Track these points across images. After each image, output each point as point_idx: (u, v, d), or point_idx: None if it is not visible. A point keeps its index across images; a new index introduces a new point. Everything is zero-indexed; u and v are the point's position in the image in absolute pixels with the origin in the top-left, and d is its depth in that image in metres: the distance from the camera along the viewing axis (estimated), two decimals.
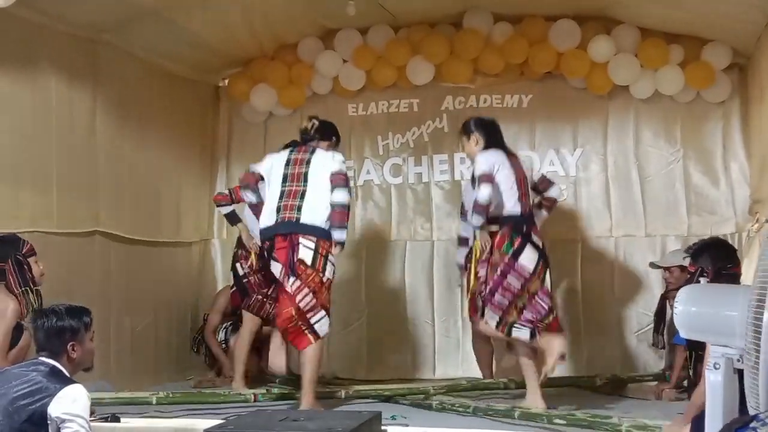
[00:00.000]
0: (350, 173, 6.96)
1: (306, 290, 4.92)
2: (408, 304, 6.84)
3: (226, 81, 7.33)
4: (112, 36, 5.85)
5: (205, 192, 7.24)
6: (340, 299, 6.12)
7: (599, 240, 6.64)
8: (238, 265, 6.07)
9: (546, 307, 5.05)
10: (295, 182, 5.09)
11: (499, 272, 5.03)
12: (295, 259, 4.92)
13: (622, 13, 6.37)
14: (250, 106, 7.15)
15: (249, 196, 5.32)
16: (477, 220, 5.11)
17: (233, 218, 6.05)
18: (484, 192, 5.05)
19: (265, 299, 5.89)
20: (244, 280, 6.01)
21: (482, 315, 5.15)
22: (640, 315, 6.47)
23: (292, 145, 5.41)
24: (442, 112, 6.99)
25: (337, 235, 5.01)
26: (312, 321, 4.95)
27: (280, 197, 5.07)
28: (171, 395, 5.19)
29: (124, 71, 6.08)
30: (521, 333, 5.02)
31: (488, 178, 5.08)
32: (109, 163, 5.91)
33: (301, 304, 4.92)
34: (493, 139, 5.31)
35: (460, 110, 6.94)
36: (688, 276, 4.42)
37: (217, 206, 6.19)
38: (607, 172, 6.74)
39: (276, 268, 5.03)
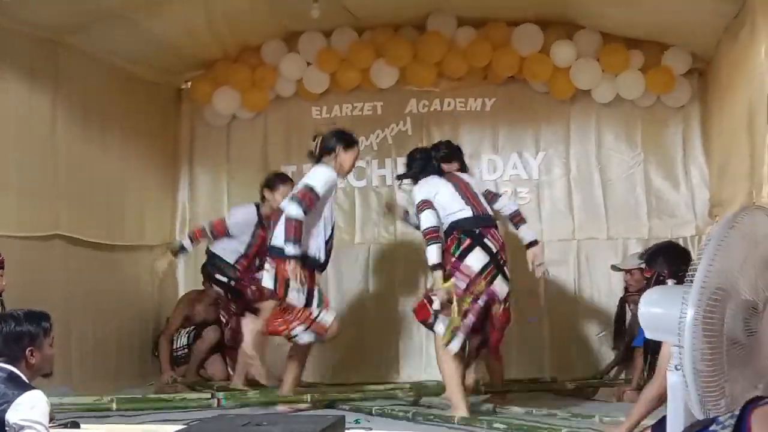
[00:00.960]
0: None
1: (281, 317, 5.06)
2: (372, 308, 6.83)
3: (189, 83, 7.27)
4: (73, 38, 5.79)
5: (167, 195, 7.19)
6: None
7: (561, 243, 6.68)
8: (218, 276, 6.13)
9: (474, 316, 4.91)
10: None
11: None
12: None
13: (583, 18, 6.41)
14: (213, 109, 7.11)
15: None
16: (434, 251, 4.90)
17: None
18: (427, 218, 4.98)
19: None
20: (232, 284, 6.12)
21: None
22: (602, 318, 6.51)
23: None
24: (405, 116, 7.00)
25: (287, 249, 4.95)
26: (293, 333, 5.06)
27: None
28: (132, 400, 5.14)
29: (86, 73, 6.03)
30: (455, 345, 4.87)
31: (427, 204, 5.05)
32: (70, 166, 5.85)
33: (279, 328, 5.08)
34: (426, 167, 5.31)
35: (424, 113, 6.97)
36: (645, 280, 4.47)
37: (192, 241, 6.30)
38: (569, 176, 6.78)
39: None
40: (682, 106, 6.62)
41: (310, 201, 4.99)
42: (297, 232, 4.95)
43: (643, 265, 4.90)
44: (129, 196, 6.60)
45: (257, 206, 6.21)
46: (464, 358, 5.03)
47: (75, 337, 5.83)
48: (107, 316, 6.25)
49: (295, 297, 5.02)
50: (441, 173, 5.28)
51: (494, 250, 5.00)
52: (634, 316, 5.73)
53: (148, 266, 6.90)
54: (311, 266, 5.13)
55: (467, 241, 4.98)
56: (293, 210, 4.98)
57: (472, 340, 5.03)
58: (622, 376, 6.12)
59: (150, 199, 6.94)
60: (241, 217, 6.23)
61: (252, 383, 5.95)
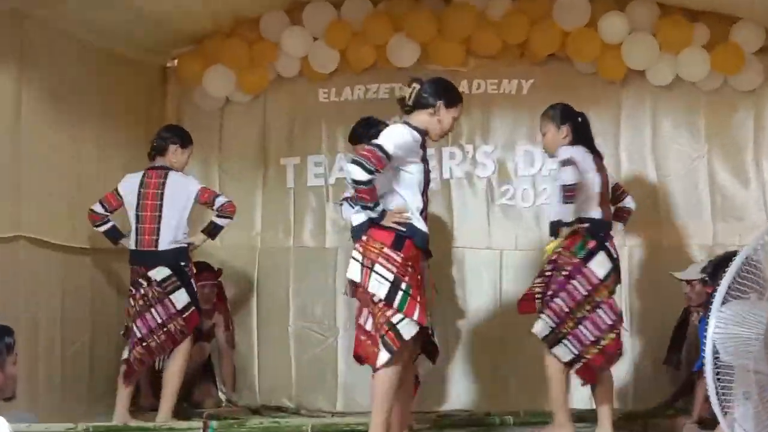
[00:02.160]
0: (320, 169, 6.98)
1: (366, 311, 4.79)
2: None
3: (176, 61, 7.30)
4: (41, 10, 5.79)
5: None
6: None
7: None
8: (193, 282, 6.05)
9: (609, 323, 5.23)
10: None
11: (564, 274, 5.24)
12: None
13: None
14: (204, 91, 7.13)
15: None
16: (567, 209, 5.23)
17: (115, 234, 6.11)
18: (569, 173, 5.20)
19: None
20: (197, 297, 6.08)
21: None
22: (656, 335, 6.51)
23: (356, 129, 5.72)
24: None
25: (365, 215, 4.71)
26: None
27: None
28: (111, 429, 5.19)
29: (56, 51, 6.04)
30: (562, 352, 5.25)
31: (573, 162, 5.24)
32: (37, 158, 5.86)
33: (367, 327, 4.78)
34: (583, 136, 5.48)
35: None
36: (708, 296, 4.47)
37: (95, 226, 6.13)
38: (619, 171, 6.74)
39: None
40: (753, 89, 6.61)
41: (378, 161, 4.56)
42: (372, 194, 4.62)
43: (706, 278, 4.90)
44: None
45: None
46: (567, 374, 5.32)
47: (42, 355, 5.84)
48: (79, 330, 6.26)
49: (376, 285, 4.57)
50: (595, 157, 5.47)
51: (616, 258, 5.36)
52: (695, 332, 5.71)
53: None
54: (397, 247, 4.65)
55: (592, 243, 5.28)
56: (349, 172, 4.66)
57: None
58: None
59: None
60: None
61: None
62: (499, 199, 6.95)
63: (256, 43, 7.00)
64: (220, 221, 6.09)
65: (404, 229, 4.63)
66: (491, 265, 6.90)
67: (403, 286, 4.55)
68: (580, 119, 5.51)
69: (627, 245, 6.68)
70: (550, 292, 5.32)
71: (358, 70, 7.05)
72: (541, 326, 5.32)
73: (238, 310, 7.10)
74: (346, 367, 6.69)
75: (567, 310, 5.24)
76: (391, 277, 4.55)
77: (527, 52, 6.83)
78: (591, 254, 5.27)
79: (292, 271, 7.11)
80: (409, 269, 4.60)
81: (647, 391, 6.45)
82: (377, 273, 4.56)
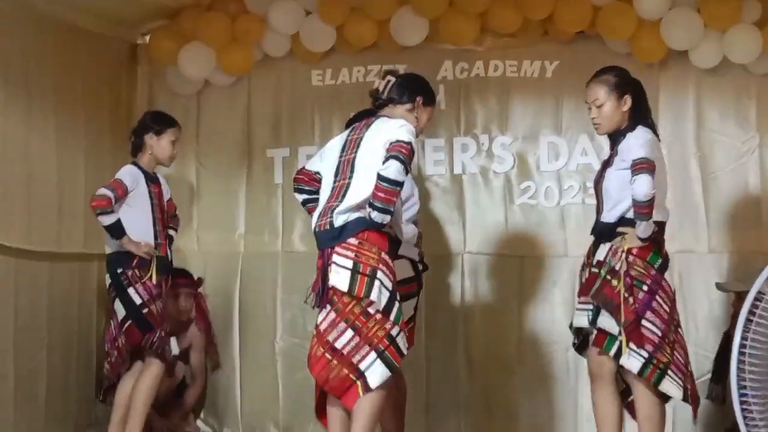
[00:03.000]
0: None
1: (343, 325, 4.79)
2: None
3: (147, 37, 7.29)
4: None
5: None
6: None
7: None
8: (131, 290, 5.96)
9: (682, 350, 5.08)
10: (342, 174, 5.00)
11: (645, 289, 4.98)
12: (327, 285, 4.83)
13: None
14: (179, 72, 7.10)
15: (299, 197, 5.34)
16: (647, 227, 4.96)
17: (118, 230, 5.97)
18: (649, 182, 4.90)
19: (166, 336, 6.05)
20: (144, 311, 5.95)
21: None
22: (698, 357, 6.40)
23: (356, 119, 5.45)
24: (438, 83, 6.91)
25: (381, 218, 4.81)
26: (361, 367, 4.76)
27: (328, 198, 4.98)
28: None
29: (10, 26, 5.99)
30: (672, 388, 4.97)
31: (650, 166, 4.96)
32: None
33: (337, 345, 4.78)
34: (645, 111, 5.27)
35: (462, 80, 6.95)
36: None
37: (99, 215, 5.99)
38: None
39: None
40: None
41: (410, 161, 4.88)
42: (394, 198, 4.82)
43: None
44: (66, 187, 6.57)
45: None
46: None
47: None
48: (35, 345, 6.24)
49: (377, 294, 4.74)
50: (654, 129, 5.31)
51: None
52: None
53: (91, 280, 6.91)
54: (394, 253, 5.06)
55: (665, 251, 5.14)
56: (398, 172, 4.77)
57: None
58: None
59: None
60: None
61: None
62: (519, 198, 6.90)
63: (239, 18, 6.97)
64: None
65: (394, 233, 4.95)
66: (509, 273, 6.87)
67: (398, 296, 4.82)
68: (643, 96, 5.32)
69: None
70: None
71: (357, 49, 7.02)
72: (630, 361, 4.95)
73: (217, 323, 7.11)
74: None
75: (660, 334, 4.95)
76: (390, 286, 4.76)
77: (552, 29, 6.80)
78: (666, 264, 5.09)
79: (280, 279, 7.08)
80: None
81: (688, 420, 6.34)
82: (380, 281, 4.72)
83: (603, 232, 5.16)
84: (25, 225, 6.13)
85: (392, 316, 4.74)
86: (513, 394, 6.75)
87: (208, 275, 7.07)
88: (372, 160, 4.86)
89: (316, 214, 4.99)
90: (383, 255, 4.77)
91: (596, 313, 5.06)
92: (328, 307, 4.81)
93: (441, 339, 6.82)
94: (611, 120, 5.16)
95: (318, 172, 5.16)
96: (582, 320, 5.17)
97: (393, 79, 5.11)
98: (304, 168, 5.30)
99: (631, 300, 4.93)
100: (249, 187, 7.21)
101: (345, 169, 4.96)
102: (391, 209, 4.77)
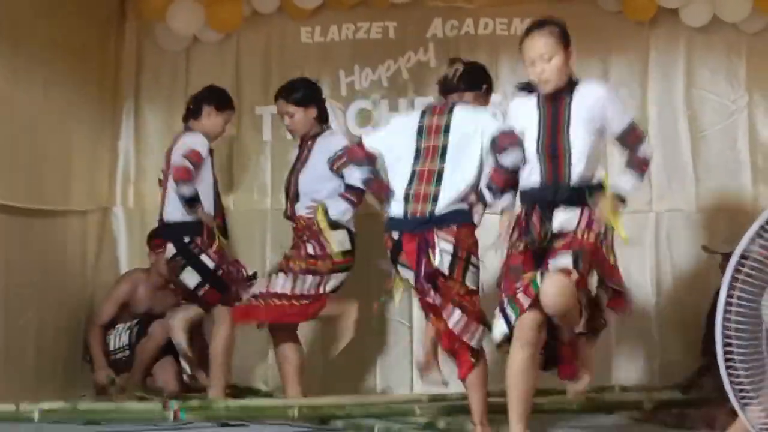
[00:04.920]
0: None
1: (450, 307, 4.94)
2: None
3: None
4: None
5: (104, 145, 7.19)
6: None
7: (635, 216, 6.53)
8: (204, 257, 6.07)
9: None
10: (429, 159, 5.04)
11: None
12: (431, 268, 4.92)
13: None
14: (167, 28, 7.06)
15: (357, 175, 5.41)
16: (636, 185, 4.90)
17: (195, 201, 6.03)
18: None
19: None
20: (218, 272, 6.09)
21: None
22: (688, 315, 6.49)
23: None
24: (427, 41, 6.96)
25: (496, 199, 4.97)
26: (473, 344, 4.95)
27: (410, 181, 5.03)
28: (60, 410, 5.24)
29: None
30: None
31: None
32: None
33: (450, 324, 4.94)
34: None
35: (452, 38, 6.94)
36: None
37: (180, 186, 6.02)
38: (647, 125, 6.68)
39: (408, 275, 5.07)
40: None
41: None
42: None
43: None
44: (51, 144, 6.55)
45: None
46: None
47: None
48: (23, 305, 6.23)
49: (472, 278, 4.98)
50: None
51: None
52: None
53: (77, 238, 6.92)
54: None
55: None
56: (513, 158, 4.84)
57: None
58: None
59: (81, 150, 6.91)
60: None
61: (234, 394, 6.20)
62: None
63: None
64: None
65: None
66: (493, 232, 6.79)
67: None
68: None
69: (654, 211, 6.71)
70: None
71: (347, 6, 7.01)
72: None
73: None
74: None
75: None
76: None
77: None
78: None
79: (269, 237, 7.09)
80: None
81: (677, 377, 6.39)
82: (473, 265, 4.97)
83: (570, 197, 4.74)
84: (6, 182, 6.10)
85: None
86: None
87: None
88: (467, 148, 4.96)
89: (400, 199, 5.01)
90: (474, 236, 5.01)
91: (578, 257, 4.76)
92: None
93: None
94: (561, 74, 4.78)
95: (376, 151, 5.23)
96: (564, 261, 4.76)
97: (461, 67, 5.27)
98: (362, 143, 5.28)
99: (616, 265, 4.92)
100: (238, 144, 7.19)
101: (432, 154, 5.00)
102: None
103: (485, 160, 4.92)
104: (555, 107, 4.80)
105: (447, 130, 5.02)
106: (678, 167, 6.68)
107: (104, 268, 7.09)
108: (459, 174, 4.94)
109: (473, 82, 5.27)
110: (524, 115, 4.84)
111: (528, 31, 4.86)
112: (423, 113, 5.16)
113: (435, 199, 4.91)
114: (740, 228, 5.79)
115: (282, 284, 5.92)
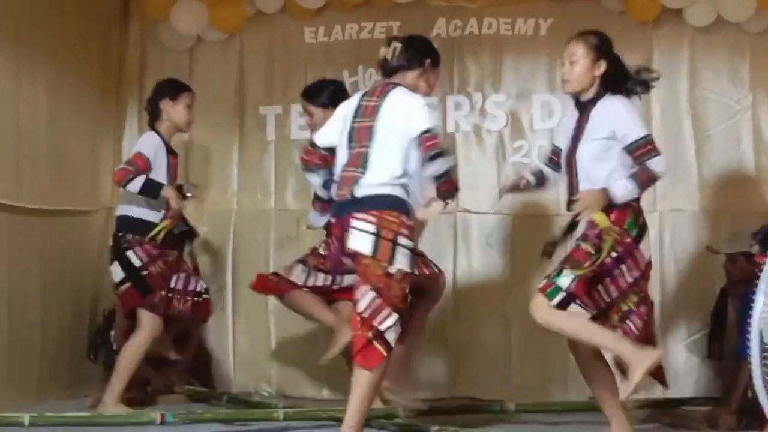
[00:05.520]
0: (305, 120, 6.84)
1: (365, 287, 4.84)
2: None
3: None
4: None
5: (107, 143, 7.22)
6: None
7: None
8: (130, 253, 6.00)
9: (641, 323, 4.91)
10: (360, 141, 4.98)
11: (614, 255, 4.81)
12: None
13: None
14: (171, 28, 7.08)
15: (315, 180, 5.29)
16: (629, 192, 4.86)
17: (154, 187, 5.97)
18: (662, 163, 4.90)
19: (171, 295, 6.10)
20: (144, 273, 5.99)
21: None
22: (690, 318, 6.53)
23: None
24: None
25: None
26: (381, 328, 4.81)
27: (344, 164, 4.98)
28: (53, 416, 5.25)
29: None
30: None
31: (655, 145, 4.92)
32: None
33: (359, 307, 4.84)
34: (621, 82, 5.04)
35: (455, 38, 6.95)
36: (758, 269, 4.42)
37: (125, 186, 6.00)
38: (650, 124, 6.61)
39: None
40: None
41: None
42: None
43: (755, 249, 4.86)
44: (54, 144, 6.56)
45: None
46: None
47: None
48: (27, 303, 6.25)
49: (406, 261, 4.83)
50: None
51: None
52: (738, 314, 5.70)
53: (81, 238, 6.93)
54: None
55: (642, 218, 4.93)
56: (444, 163, 4.89)
57: None
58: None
59: (84, 149, 6.93)
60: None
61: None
62: (512, 157, 6.93)
63: None
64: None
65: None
66: (501, 232, 6.89)
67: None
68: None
69: (658, 211, 6.68)
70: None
71: (350, 6, 7.03)
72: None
73: (210, 283, 7.04)
74: None
75: (609, 300, 4.87)
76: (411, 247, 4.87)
77: None
78: (642, 233, 4.90)
79: (273, 237, 7.10)
80: None
81: (681, 376, 6.46)
82: (402, 246, 4.79)
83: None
84: (8, 181, 6.10)
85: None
86: (505, 351, 6.80)
87: (201, 234, 7.01)
88: (395, 135, 4.89)
89: (336, 183, 5.01)
90: (403, 218, 4.83)
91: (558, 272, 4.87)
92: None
93: None
94: (580, 80, 4.95)
95: (328, 147, 5.14)
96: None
97: (399, 45, 5.10)
98: (313, 143, 5.22)
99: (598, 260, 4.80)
100: (241, 144, 7.20)
101: (362, 136, 4.94)
102: (456, 190, 5.09)
103: (410, 151, 4.86)
104: (581, 119, 4.97)
105: (378, 112, 4.95)
106: (682, 167, 6.67)
107: (107, 267, 7.02)
108: (384, 159, 4.88)
109: (413, 59, 5.10)
110: (569, 130, 5.05)
111: (574, 36, 5.08)
112: (364, 94, 5.13)
113: (357, 182, 4.87)
114: (744, 228, 5.93)
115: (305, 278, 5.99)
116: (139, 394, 6.28)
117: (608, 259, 4.80)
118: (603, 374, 4.99)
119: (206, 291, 6.33)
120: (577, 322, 4.84)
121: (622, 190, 4.80)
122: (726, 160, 6.69)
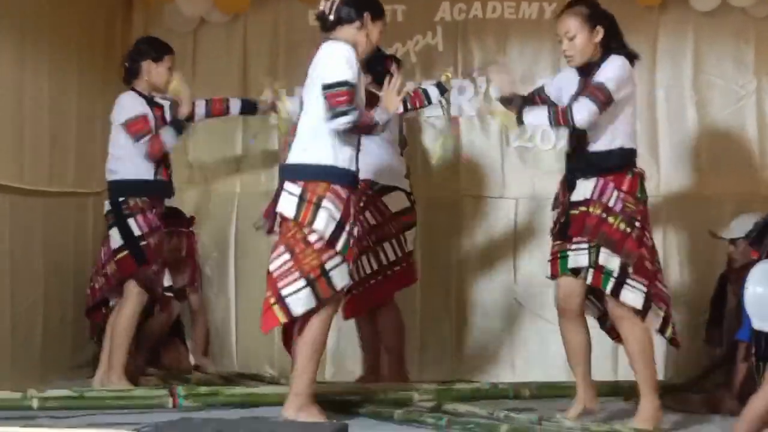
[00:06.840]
0: None
1: (281, 249, 4.81)
2: None
3: None
4: None
5: (110, 127, 7.16)
6: None
7: None
8: (131, 221, 5.95)
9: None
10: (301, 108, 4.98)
11: (638, 225, 4.89)
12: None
13: None
14: (175, 9, 7.10)
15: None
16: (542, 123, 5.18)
17: (180, 125, 6.06)
18: (592, 113, 4.88)
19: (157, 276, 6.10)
20: (142, 243, 5.94)
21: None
22: (691, 301, 6.55)
23: None
24: (435, 24, 7.00)
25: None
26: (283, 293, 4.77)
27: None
28: (59, 398, 5.20)
29: None
30: (657, 321, 5.03)
31: (605, 97, 4.92)
32: None
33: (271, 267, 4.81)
34: (618, 42, 5.11)
35: (460, 21, 6.97)
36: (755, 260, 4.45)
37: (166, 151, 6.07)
38: (655, 110, 6.76)
39: None
40: None
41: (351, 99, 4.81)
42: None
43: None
44: (57, 128, 6.58)
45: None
46: None
47: None
48: (29, 284, 6.27)
49: (323, 224, 4.74)
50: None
51: None
52: (738, 300, 5.71)
53: (83, 219, 6.96)
54: (349, 184, 4.92)
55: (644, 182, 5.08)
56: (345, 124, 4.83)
57: None
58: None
59: (86, 132, 6.93)
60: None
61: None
62: (515, 141, 6.95)
63: None
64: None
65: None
66: (505, 216, 6.92)
67: (347, 227, 4.79)
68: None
69: (662, 194, 6.70)
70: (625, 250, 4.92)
71: None
72: (633, 296, 4.90)
73: (213, 265, 7.15)
74: (337, 331, 6.64)
75: (650, 267, 4.94)
76: (338, 216, 4.75)
77: None
78: (646, 194, 5.05)
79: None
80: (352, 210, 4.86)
81: (682, 361, 6.49)
82: (326, 209, 4.72)
83: (586, 168, 5.02)
84: (12, 162, 6.14)
85: (338, 246, 4.76)
86: (506, 335, 6.84)
87: (204, 215, 7.09)
88: (312, 95, 4.85)
89: None
90: (333, 185, 4.77)
91: (597, 252, 4.91)
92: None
93: (437, 279, 6.87)
94: (584, 51, 5.00)
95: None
96: (581, 260, 4.98)
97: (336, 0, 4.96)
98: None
99: (634, 235, 4.88)
100: (245, 126, 7.19)
101: (301, 102, 4.99)
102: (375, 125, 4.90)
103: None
104: (585, 81, 5.03)
105: (308, 74, 4.92)
106: (685, 152, 6.71)
107: None
108: (304, 122, 4.87)
109: (351, 12, 4.97)
110: (564, 85, 5.13)
111: (561, 11, 5.11)
112: None
113: (290, 147, 4.90)
114: (748, 212, 5.95)
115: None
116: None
117: (636, 232, 4.90)
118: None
119: (170, 289, 6.42)
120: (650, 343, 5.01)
121: (536, 119, 5.14)
122: (730, 145, 6.71)
